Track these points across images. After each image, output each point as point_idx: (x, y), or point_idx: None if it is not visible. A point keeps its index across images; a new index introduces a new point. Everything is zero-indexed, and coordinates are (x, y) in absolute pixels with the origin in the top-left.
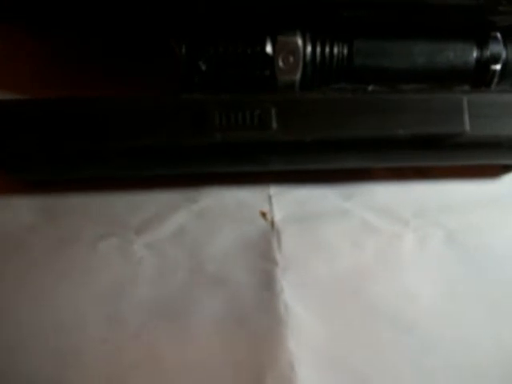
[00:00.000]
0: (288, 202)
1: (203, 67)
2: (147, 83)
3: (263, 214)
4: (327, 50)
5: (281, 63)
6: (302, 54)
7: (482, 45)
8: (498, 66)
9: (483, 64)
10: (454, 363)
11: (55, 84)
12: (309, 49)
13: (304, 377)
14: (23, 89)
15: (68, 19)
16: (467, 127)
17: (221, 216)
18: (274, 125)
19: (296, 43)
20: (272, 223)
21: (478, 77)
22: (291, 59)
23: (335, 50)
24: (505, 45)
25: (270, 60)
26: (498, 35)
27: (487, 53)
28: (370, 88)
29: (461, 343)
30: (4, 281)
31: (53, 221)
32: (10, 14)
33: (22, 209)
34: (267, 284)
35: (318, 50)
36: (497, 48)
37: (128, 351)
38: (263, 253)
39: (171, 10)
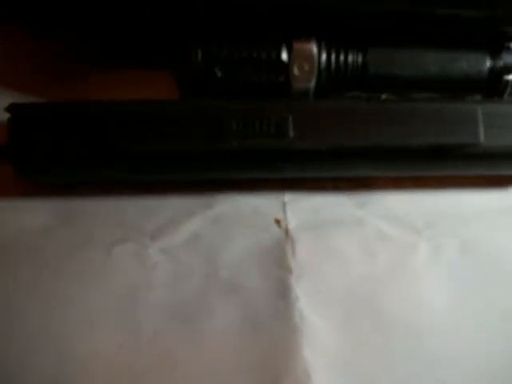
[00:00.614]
0: (302, 210)
1: (219, 73)
2: (148, 85)
3: (277, 222)
4: (342, 58)
5: (296, 70)
6: (316, 62)
7: (495, 55)
8: (511, 77)
9: (496, 74)
10: (467, 374)
11: (55, 84)
12: (324, 57)
13: None
14: (23, 89)
15: (71, 20)
16: (481, 138)
17: (235, 222)
18: (291, 133)
19: (311, 51)
20: (286, 230)
21: (491, 87)
22: (306, 67)
23: (349, 58)
24: None
25: (285, 67)
26: None
27: (500, 63)
28: (384, 96)
29: (474, 353)
30: (18, 283)
31: (67, 225)
32: (10, 14)
33: (37, 212)
34: (282, 291)
35: (333, 58)
36: (510, 58)
37: (143, 356)
38: (277, 260)
39: (186, 14)
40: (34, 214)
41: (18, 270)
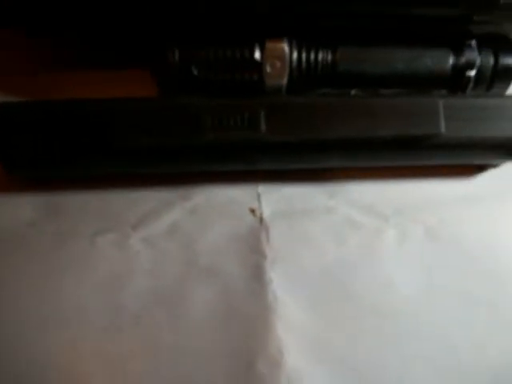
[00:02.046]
0: (276, 200)
1: (195, 71)
2: (146, 85)
3: (252, 211)
4: (312, 56)
5: (268, 68)
6: (288, 60)
7: (457, 52)
8: (472, 72)
9: (459, 70)
10: (432, 349)
11: (54, 84)
12: (295, 55)
13: (292, 361)
14: (22, 89)
15: (65, 23)
16: (442, 129)
17: (212, 212)
18: (263, 127)
19: (283, 49)
20: (261, 219)
21: (455, 82)
22: (278, 65)
23: (320, 56)
24: (479, 52)
25: (259, 65)
26: (473, 43)
27: (463, 59)
28: (353, 92)
29: (438, 330)
30: (6, 273)
31: (52, 217)
32: (10, 19)
33: (23, 205)
34: (257, 275)
35: (304, 56)
36: (472, 55)
37: (127, 338)
38: (252, 247)
39: (164, 15)
40: (21, 208)
41: (7, 262)
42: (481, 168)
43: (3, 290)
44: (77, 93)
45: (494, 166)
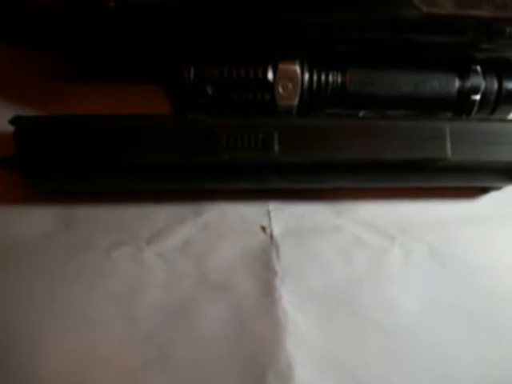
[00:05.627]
0: (286, 217)
1: (209, 91)
2: (159, 100)
3: (263, 228)
4: (323, 78)
5: (280, 89)
6: (300, 81)
7: (463, 76)
8: (477, 96)
9: (464, 94)
10: (435, 365)
11: (66, 97)
12: (306, 76)
13: (301, 375)
14: (34, 101)
15: (71, 39)
16: (449, 153)
17: (224, 229)
18: (276, 147)
19: (295, 71)
20: (271, 236)
21: (460, 105)
22: (290, 86)
23: (330, 78)
24: (484, 77)
25: (271, 86)
26: (478, 68)
27: (468, 84)
28: (361, 113)
29: (441, 348)
30: (22, 284)
31: (69, 230)
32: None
33: (40, 218)
34: (267, 291)
35: (315, 77)
36: (477, 80)
37: (140, 351)
38: (263, 263)
39: (180, 36)
40: (38, 220)
41: (24, 272)
42: (484, 190)
43: (18, 300)
44: (89, 106)
45: (497, 188)
